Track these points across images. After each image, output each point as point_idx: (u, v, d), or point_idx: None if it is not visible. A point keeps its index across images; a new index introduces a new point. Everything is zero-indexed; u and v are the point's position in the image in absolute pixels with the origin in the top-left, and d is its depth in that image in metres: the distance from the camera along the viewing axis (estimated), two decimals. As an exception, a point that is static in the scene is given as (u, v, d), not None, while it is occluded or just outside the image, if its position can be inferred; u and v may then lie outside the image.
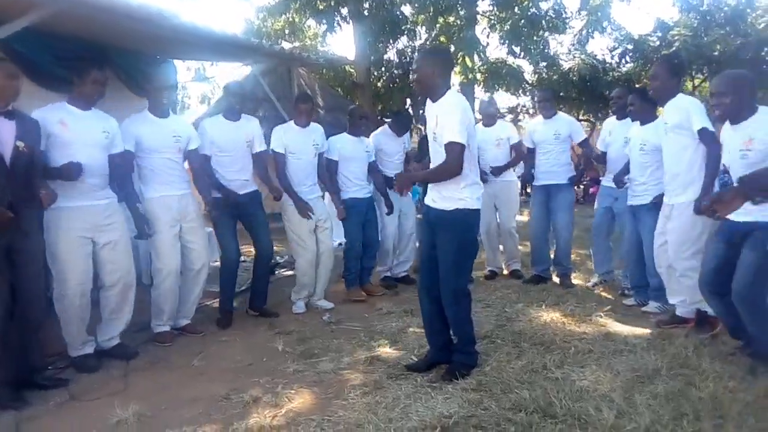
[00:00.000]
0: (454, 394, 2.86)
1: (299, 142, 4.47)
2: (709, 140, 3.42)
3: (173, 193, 3.86)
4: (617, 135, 4.70)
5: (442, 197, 3.09)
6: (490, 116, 5.57)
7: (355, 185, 4.86)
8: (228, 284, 4.35)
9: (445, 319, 3.19)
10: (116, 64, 5.05)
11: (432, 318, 3.24)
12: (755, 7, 13.58)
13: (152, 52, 5.49)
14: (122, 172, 3.66)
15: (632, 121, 4.38)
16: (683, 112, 3.54)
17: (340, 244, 5.40)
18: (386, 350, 3.57)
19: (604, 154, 4.87)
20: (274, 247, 4.77)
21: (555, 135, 5.09)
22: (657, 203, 3.91)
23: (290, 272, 5.04)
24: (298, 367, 3.35)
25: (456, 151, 2.92)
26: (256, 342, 3.89)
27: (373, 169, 4.99)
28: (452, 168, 2.96)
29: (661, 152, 3.83)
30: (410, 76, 3.10)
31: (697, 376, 2.94)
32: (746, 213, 2.94)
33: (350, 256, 4.91)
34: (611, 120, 5.00)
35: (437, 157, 3.07)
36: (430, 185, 3.23)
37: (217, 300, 4.46)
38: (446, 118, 2.96)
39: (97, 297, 3.55)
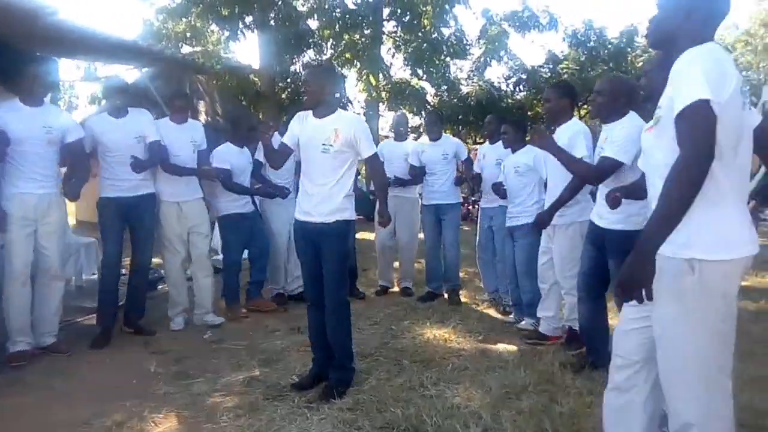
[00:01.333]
0: (330, 414, 2.84)
1: (175, 139, 4.30)
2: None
3: (34, 191, 3.56)
4: (489, 158, 4.98)
5: (322, 210, 3.11)
6: (401, 132, 5.70)
7: (236, 199, 4.73)
8: (108, 295, 4.07)
9: (325, 332, 3.20)
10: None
11: (318, 331, 3.24)
12: (635, 47, 14.92)
13: (30, 49, 5.10)
14: None
15: (504, 148, 4.64)
16: (573, 138, 3.62)
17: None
18: (266, 370, 3.49)
19: (479, 174, 5.09)
20: (158, 260, 4.56)
21: (443, 156, 5.27)
22: (530, 224, 4.12)
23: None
24: (169, 389, 3.19)
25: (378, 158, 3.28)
26: (128, 362, 3.66)
27: (259, 179, 4.89)
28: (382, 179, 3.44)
29: (534, 173, 4.11)
30: (303, 89, 3.13)
31: (560, 391, 3.12)
32: (600, 217, 3.19)
33: (229, 272, 4.77)
34: (486, 144, 5.30)
35: (326, 167, 3.12)
36: (308, 198, 3.18)
37: (89, 317, 4.17)
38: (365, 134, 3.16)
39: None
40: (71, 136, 3.74)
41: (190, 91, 8.13)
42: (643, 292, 1.62)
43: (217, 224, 5.12)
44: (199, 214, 4.44)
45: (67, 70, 17.11)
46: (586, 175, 3.33)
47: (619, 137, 3.05)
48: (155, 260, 6.40)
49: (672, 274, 1.69)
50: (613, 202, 2.73)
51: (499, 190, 4.55)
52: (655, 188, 1.76)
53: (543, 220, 3.70)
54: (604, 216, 3.13)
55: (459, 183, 5.40)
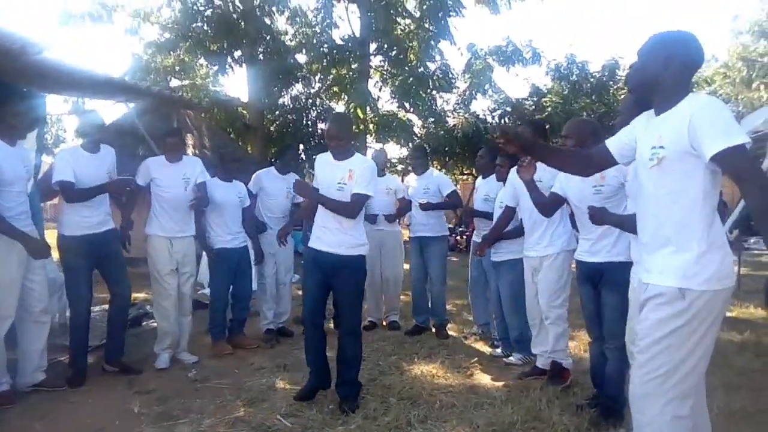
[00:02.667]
0: (315, 455, 2.80)
1: (167, 176, 4.32)
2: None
3: (24, 229, 3.50)
4: (481, 192, 4.99)
5: (341, 243, 3.45)
6: (380, 168, 5.73)
7: (225, 234, 4.74)
8: (79, 335, 4.00)
9: (325, 349, 3.62)
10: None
11: (317, 351, 3.60)
12: (617, 80, 15.28)
13: (17, 85, 5.12)
14: None
15: (497, 180, 4.63)
16: (548, 171, 3.66)
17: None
18: (251, 410, 3.44)
19: (472, 208, 5.09)
20: (143, 295, 4.51)
21: (425, 190, 5.35)
22: (514, 260, 4.15)
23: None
24: (153, 431, 3.14)
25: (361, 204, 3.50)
26: (111, 402, 3.59)
27: (247, 215, 4.91)
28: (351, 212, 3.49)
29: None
30: (332, 143, 3.42)
31: (547, 429, 3.11)
32: (592, 254, 3.25)
33: (215, 308, 4.74)
34: (479, 178, 5.30)
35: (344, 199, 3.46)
36: (325, 230, 3.51)
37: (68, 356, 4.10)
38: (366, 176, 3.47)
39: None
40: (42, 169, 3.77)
41: (178, 124, 8.16)
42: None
43: (205, 258, 5.10)
44: (187, 252, 4.43)
45: (54, 103, 17.10)
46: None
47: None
48: (140, 295, 6.39)
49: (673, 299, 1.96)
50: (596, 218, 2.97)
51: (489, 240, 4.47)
52: (654, 217, 2.07)
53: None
54: (599, 252, 3.21)
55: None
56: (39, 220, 3.99)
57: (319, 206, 3.55)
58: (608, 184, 3.17)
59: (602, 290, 3.23)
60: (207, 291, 6.21)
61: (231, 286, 4.82)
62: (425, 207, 5.24)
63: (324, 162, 3.61)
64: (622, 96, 14.70)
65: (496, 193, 4.57)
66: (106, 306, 4.36)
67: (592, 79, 15.41)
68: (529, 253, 3.96)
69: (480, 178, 5.22)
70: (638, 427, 2.07)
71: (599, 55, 41.43)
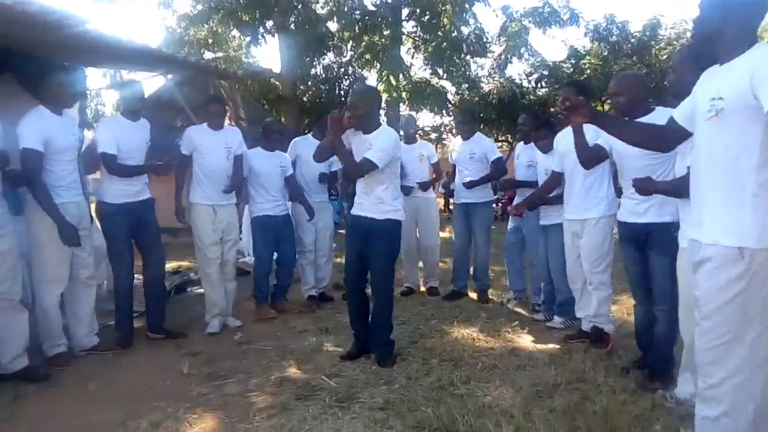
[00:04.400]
0: (361, 413, 2.85)
1: (210, 144, 4.37)
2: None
3: (73, 199, 3.63)
4: (522, 159, 4.90)
5: (378, 209, 3.58)
6: (411, 135, 5.69)
7: (267, 201, 4.79)
8: (123, 300, 4.10)
9: (367, 313, 3.73)
10: (19, 71, 4.74)
11: (359, 313, 3.76)
12: (659, 39, 14.67)
13: (58, 59, 5.21)
14: (23, 174, 3.40)
15: (541, 151, 4.50)
16: (598, 132, 3.65)
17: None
18: (296, 370, 3.52)
19: (511, 178, 5.04)
20: (187, 263, 4.61)
21: (470, 155, 5.26)
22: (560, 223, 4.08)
23: (202, 290, 4.88)
24: (202, 390, 3.23)
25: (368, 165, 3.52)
26: (160, 364, 3.71)
27: (290, 182, 4.95)
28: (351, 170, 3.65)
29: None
30: (351, 113, 3.53)
31: (592, 390, 3.08)
32: (638, 215, 3.15)
33: (259, 274, 4.82)
34: (521, 143, 5.19)
35: (372, 174, 3.57)
36: (365, 196, 3.66)
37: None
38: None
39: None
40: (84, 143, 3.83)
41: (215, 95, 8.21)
42: None
43: (247, 225, 5.18)
44: (231, 219, 4.49)
45: (93, 78, 17.41)
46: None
47: None
48: (184, 263, 6.55)
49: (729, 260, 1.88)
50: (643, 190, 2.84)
51: (533, 203, 4.40)
52: (707, 174, 1.97)
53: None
54: (647, 212, 3.10)
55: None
56: (85, 192, 4.08)
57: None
58: None
59: (650, 253, 3.14)
60: (247, 259, 6.32)
61: (275, 253, 4.89)
62: (469, 185, 5.17)
63: (354, 132, 3.66)
64: (665, 56, 14.14)
65: (535, 160, 4.54)
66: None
67: (632, 40, 14.82)
68: (570, 216, 3.88)
69: (521, 143, 5.12)
70: (703, 390, 2.00)
71: (640, 14, 39.77)
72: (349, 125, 3.57)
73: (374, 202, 3.61)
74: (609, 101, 3.37)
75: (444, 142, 21.44)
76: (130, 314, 4.19)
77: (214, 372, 3.52)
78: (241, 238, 5.43)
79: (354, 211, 3.75)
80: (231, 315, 4.60)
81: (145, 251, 4.21)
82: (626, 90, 3.15)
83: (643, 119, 3.05)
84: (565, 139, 3.76)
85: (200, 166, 4.38)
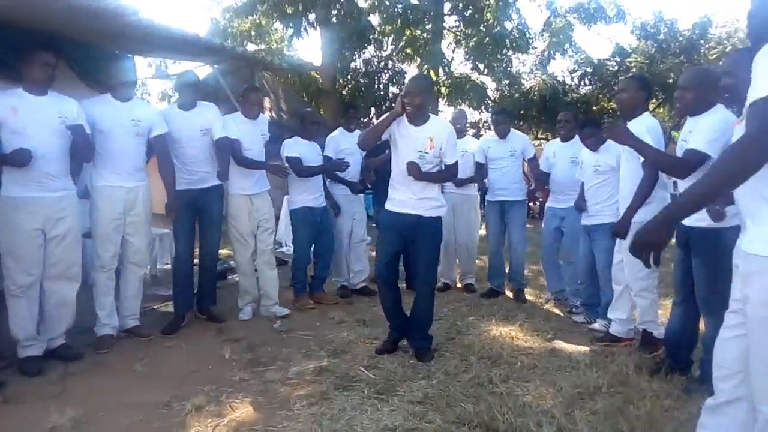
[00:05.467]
0: (400, 406, 2.86)
1: (248, 134, 4.39)
2: (647, 169, 3.41)
3: (122, 184, 3.72)
4: (561, 156, 4.76)
5: (425, 205, 3.55)
6: (460, 130, 5.64)
7: (306, 193, 4.81)
8: (181, 285, 4.22)
9: (400, 302, 3.73)
10: (72, 59, 4.89)
11: (394, 307, 3.71)
12: (708, 39, 14.25)
13: (110, 47, 5.35)
14: (85, 150, 3.52)
15: (590, 149, 4.37)
16: (651, 132, 3.48)
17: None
18: (335, 360, 3.55)
19: (547, 174, 4.91)
20: (225, 251, 4.70)
21: (511, 152, 5.19)
22: (611, 224, 3.99)
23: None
24: (244, 376, 3.29)
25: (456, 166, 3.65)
26: (203, 348, 3.80)
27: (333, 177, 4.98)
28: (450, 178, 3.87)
29: (615, 172, 3.90)
30: (408, 99, 3.41)
31: (635, 394, 3.02)
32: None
33: (299, 264, 4.87)
34: (555, 141, 5.06)
35: (425, 168, 3.51)
36: (407, 197, 3.58)
37: (165, 304, 4.35)
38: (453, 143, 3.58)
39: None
40: (157, 130, 3.86)
41: (258, 84, 8.31)
42: (651, 256, 1.70)
43: (284, 216, 5.24)
44: (267, 208, 4.54)
45: (139, 67, 17.84)
46: (672, 168, 3.18)
47: (704, 128, 2.90)
48: (223, 251, 6.67)
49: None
50: (718, 216, 2.73)
51: (581, 207, 4.35)
52: (752, 179, 1.67)
53: (621, 231, 3.49)
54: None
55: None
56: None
57: (396, 169, 3.61)
58: (691, 138, 2.95)
59: (693, 257, 3.05)
60: (284, 249, 6.40)
61: (313, 244, 4.94)
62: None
63: (398, 122, 3.53)
64: (714, 56, 13.71)
65: (578, 156, 4.47)
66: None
67: (681, 38, 14.45)
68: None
69: (556, 141, 5.01)
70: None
71: (689, 11, 38.50)
72: (402, 112, 3.45)
73: (419, 198, 3.54)
74: (676, 92, 3.20)
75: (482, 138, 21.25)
76: (189, 297, 4.32)
77: (255, 358, 3.58)
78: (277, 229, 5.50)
79: (392, 208, 3.65)
80: (278, 303, 4.61)
81: (202, 237, 4.34)
82: (696, 86, 3.02)
83: (703, 115, 2.98)
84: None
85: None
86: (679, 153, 3.07)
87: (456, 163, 3.63)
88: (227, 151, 4.24)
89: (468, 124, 6.72)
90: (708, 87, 2.99)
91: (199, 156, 4.17)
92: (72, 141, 3.40)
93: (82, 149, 3.48)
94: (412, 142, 3.50)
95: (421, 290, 3.69)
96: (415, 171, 3.48)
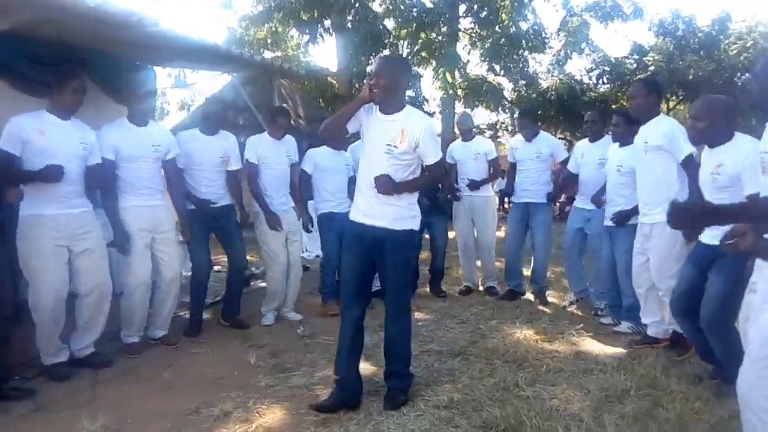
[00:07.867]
0: (426, 411, 2.86)
1: (273, 154, 4.50)
2: (693, 166, 3.37)
3: (146, 204, 3.80)
4: (590, 157, 4.73)
5: (393, 215, 2.91)
6: (467, 131, 5.64)
7: (334, 199, 4.85)
8: (197, 293, 4.33)
9: (359, 351, 3.06)
10: (94, 70, 4.98)
11: (353, 347, 3.03)
12: (728, 34, 14.04)
13: (132, 58, 5.44)
14: (103, 183, 3.65)
15: (614, 141, 4.41)
16: (669, 136, 3.54)
17: (317, 256, 5.38)
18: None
19: (576, 176, 4.87)
20: (249, 258, 4.75)
21: (537, 155, 5.16)
22: (632, 225, 3.96)
23: (264, 284, 5.01)
24: (270, 382, 3.32)
25: (442, 167, 3.13)
26: (228, 355, 3.83)
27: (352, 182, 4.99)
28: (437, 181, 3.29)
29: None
30: (374, 81, 2.80)
31: (664, 396, 2.99)
32: (715, 237, 2.99)
33: (326, 270, 4.89)
34: (584, 142, 5.03)
35: (389, 170, 2.87)
36: (372, 203, 2.92)
37: (185, 312, 4.41)
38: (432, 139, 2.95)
39: (72, 305, 3.48)
40: (172, 153, 3.98)
41: (277, 95, 8.39)
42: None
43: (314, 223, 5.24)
44: (295, 221, 4.65)
45: (159, 78, 18.12)
46: None
47: (751, 168, 2.69)
48: (249, 257, 6.72)
49: None
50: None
51: (599, 201, 4.40)
52: None
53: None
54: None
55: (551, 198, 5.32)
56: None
57: (363, 172, 3.00)
58: (724, 172, 2.89)
59: (711, 275, 2.99)
60: (305, 255, 6.43)
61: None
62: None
63: (368, 110, 2.94)
64: (734, 51, 13.49)
65: (606, 157, 4.42)
66: (216, 267, 4.64)
67: (700, 35, 14.25)
68: (643, 219, 3.77)
69: (585, 141, 4.99)
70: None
71: (708, 7, 37.99)
72: (369, 96, 2.83)
73: (386, 205, 2.89)
74: (688, 122, 3.13)
75: (499, 140, 21.19)
76: (202, 305, 4.42)
77: (280, 364, 3.60)
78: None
79: (356, 218, 3.00)
80: (292, 309, 4.71)
81: (227, 250, 4.44)
82: (708, 116, 2.94)
83: (727, 147, 2.92)
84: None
85: (265, 176, 4.49)
86: (709, 185, 2.99)
87: (440, 162, 3.00)
88: (237, 184, 4.44)
89: (485, 126, 6.70)
90: (720, 115, 2.92)
91: (216, 179, 4.30)
92: (89, 174, 3.51)
93: (98, 182, 3.62)
94: (380, 133, 2.89)
95: (393, 315, 3.03)
96: (385, 187, 2.84)
